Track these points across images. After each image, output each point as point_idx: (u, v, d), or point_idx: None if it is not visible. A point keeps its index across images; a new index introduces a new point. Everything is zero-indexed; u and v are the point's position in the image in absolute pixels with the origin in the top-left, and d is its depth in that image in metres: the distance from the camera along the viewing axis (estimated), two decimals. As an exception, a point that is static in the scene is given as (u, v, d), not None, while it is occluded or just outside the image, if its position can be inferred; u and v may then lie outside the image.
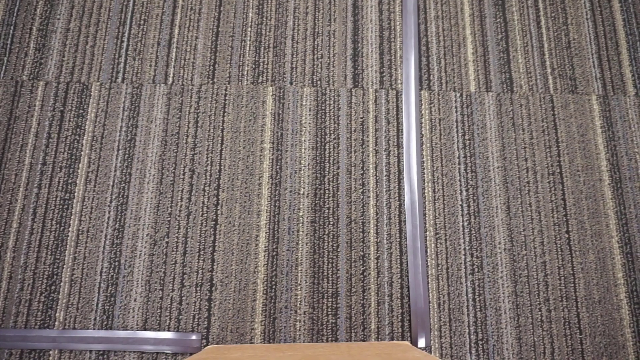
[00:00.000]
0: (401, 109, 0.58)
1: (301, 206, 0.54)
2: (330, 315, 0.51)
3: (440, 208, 0.54)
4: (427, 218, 0.54)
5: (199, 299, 0.51)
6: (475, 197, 0.55)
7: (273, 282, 0.52)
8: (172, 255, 0.52)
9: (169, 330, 0.50)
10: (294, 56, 0.59)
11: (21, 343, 0.49)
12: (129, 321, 0.50)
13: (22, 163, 0.55)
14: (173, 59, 0.59)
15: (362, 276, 0.52)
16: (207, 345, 0.50)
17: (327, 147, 0.56)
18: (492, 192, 0.55)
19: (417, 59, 0.59)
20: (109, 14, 0.61)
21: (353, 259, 0.52)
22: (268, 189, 0.54)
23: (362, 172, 0.55)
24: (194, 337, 0.50)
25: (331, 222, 0.53)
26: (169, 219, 0.53)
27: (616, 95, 0.58)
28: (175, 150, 0.56)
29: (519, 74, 0.59)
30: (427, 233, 0.53)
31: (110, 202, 0.54)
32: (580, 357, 0.50)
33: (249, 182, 0.55)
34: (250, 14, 0.61)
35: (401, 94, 0.58)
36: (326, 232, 0.53)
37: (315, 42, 0.60)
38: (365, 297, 0.51)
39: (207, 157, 0.55)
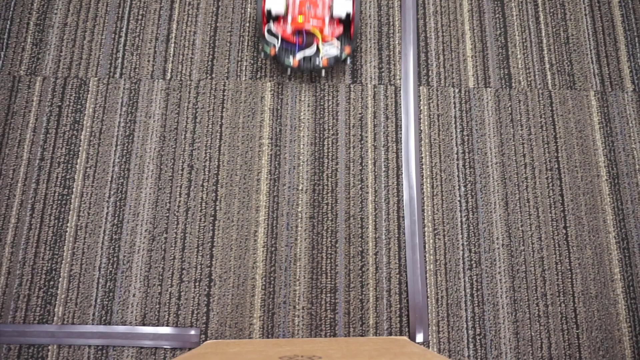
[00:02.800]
0: (400, 104, 0.58)
1: (300, 202, 0.54)
2: (329, 311, 0.51)
3: (438, 204, 0.54)
4: (425, 214, 0.54)
5: (198, 295, 0.51)
6: (473, 193, 0.55)
7: (272, 278, 0.52)
8: (171, 250, 0.52)
9: (167, 326, 0.50)
10: (293, 52, 0.59)
11: (20, 338, 0.49)
12: (127, 316, 0.50)
13: (20, 158, 0.55)
14: (171, 54, 0.59)
15: (360, 272, 0.52)
16: (205, 340, 0.50)
17: (325, 143, 0.56)
18: (490, 187, 0.55)
19: (415, 54, 0.59)
20: (106, 9, 0.60)
21: (352, 255, 0.52)
22: (267, 184, 0.54)
23: (360, 167, 0.55)
24: (192, 332, 0.50)
25: (330, 218, 0.54)
26: (167, 214, 0.53)
27: (614, 91, 0.59)
28: (174, 146, 0.56)
29: (518, 69, 0.59)
30: (426, 229, 0.53)
31: (109, 197, 0.54)
32: (577, 352, 0.50)
33: (247, 177, 0.55)
34: (248, 9, 0.61)
35: (400, 90, 0.58)
36: (325, 228, 0.53)
37: (314, 38, 0.60)
38: (364, 293, 0.51)
39: (205, 153, 0.55)
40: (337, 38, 0.54)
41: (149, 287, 0.51)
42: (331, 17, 0.53)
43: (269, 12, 0.52)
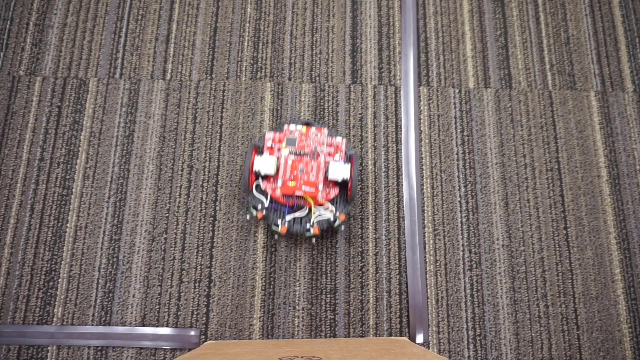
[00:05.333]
0: (400, 105, 0.57)
1: (300, 202, 0.54)
2: (329, 311, 0.51)
3: (438, 204, 0.54)
4: (425, 214, 0.54)
5: (198, 295, 0.51)
6: (473, 194, 0.55)
7: (271, 278, 0.52)
8: (171, 251, 0.52)
9: (167, 326, 0.50)
10: (293, 52, 0.59)
11: (19, 339, 0.49)
12: (127, 317, 0.50)
13: (19, 159, 0.55)
14: (171, 55, 0.59)
15: (360, 272, 0.52)
16: (205, 340, 0.50)
17: (325, 143, 0.56)
18: (490, 188, 0.55)
19: (416, 55, 0.59)
20: (106, 9, 0.60)
21: (352, 255, 0.52)
22: (266, 185, 0.54)
23: (360, 168, 0.55)
24: (192, 332, 0.50)
25: (330, 218, 0.53)
26: (167, 215, 0.53)
27: (615, 91, 0.59)
28: (174, 146, 0.56)
29: (518, 70, 0.59)
30: (426, 229, 0.53)
31: (109, 198, 0.54)
32: (577, 353, 0.50)
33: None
34: (248, 10, 0.61)
35: (400, 90, 0.58)
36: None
37: (314, 38, 0.60)
38: (364, 293, 0.51)
39: (205, 153, 0.55)
40: (332, 201, 0.49)
41: (149, 288, 0.51)
42: (326, 178, 0.49)
43: (258, 172, 0.48)
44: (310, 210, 0.48)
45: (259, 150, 0.50)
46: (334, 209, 0.48)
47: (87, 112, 0.56)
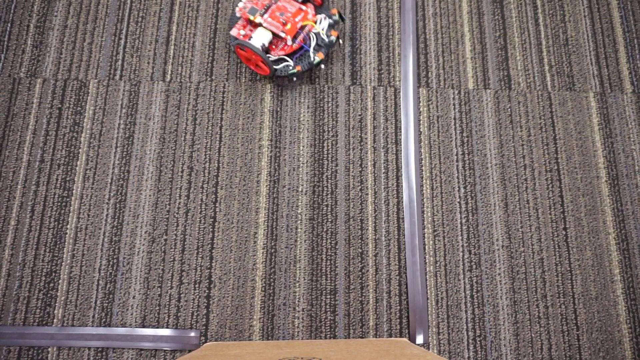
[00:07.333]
0: (399, 106, 0.58)
1: (299, 203, 0.54)
2: (329, 312, 0.51)
3: (438, 205, 0.54)
4: (425, 215, 0.54)
5: (198, 296, 0.51)
6: (473, 194, 0.55)
7: (271, 279, 0.52)
8: (171, 252, 0.52)
9: (167, 327, 0.50)
10: (292, 53, 0.59)
11: (20, 340, 0.49)
12: (127, 318, 0.50)
13: (19, 160, 0.55)
14: (171, 56, 0.59)
15: (360, 273, 0.52)
16: (205, 342, 0.50)
17: (325, 145, 0.56)
18: (490, 189, 0.55)
19: (415, 56, 0.59)
20: (106, 11, 0.60)
21: (351, 256, 0.52)
22: (266, 186, 0.54)
23: (360, 169, 0.55)
24: (192, 334, 0.50)
25: (329, 220, 0.54)
26: (167, 216, 0.53)
27: (613, 92, 0.59)
28: (174, 148, 0.56)
29: (517, 71, 0.59)
30: (426, 230, 0.53)
31: (109, 199, 0.54)
32: (577, 353, 0.50)
33: (247, 179, 0.55)
34: (248, 11, 0.61)
35: (399, 91, 0.58)
36: (324, 230, 0.53)
37: (314, 40, 0.60)
38: (364, 294, 0.51)
39: (205, 155, 0.55)
40: (319, 13, 0.56)
41: (149, 289, 0.51)
42: (303, 2, 0.56)
43: (263, 46, 0.53)
44: (316, 34, 0.55)
45: (243, 46, 0.54)
46: (324, 16, 0.55)
47: (88, 114, 0.57)
